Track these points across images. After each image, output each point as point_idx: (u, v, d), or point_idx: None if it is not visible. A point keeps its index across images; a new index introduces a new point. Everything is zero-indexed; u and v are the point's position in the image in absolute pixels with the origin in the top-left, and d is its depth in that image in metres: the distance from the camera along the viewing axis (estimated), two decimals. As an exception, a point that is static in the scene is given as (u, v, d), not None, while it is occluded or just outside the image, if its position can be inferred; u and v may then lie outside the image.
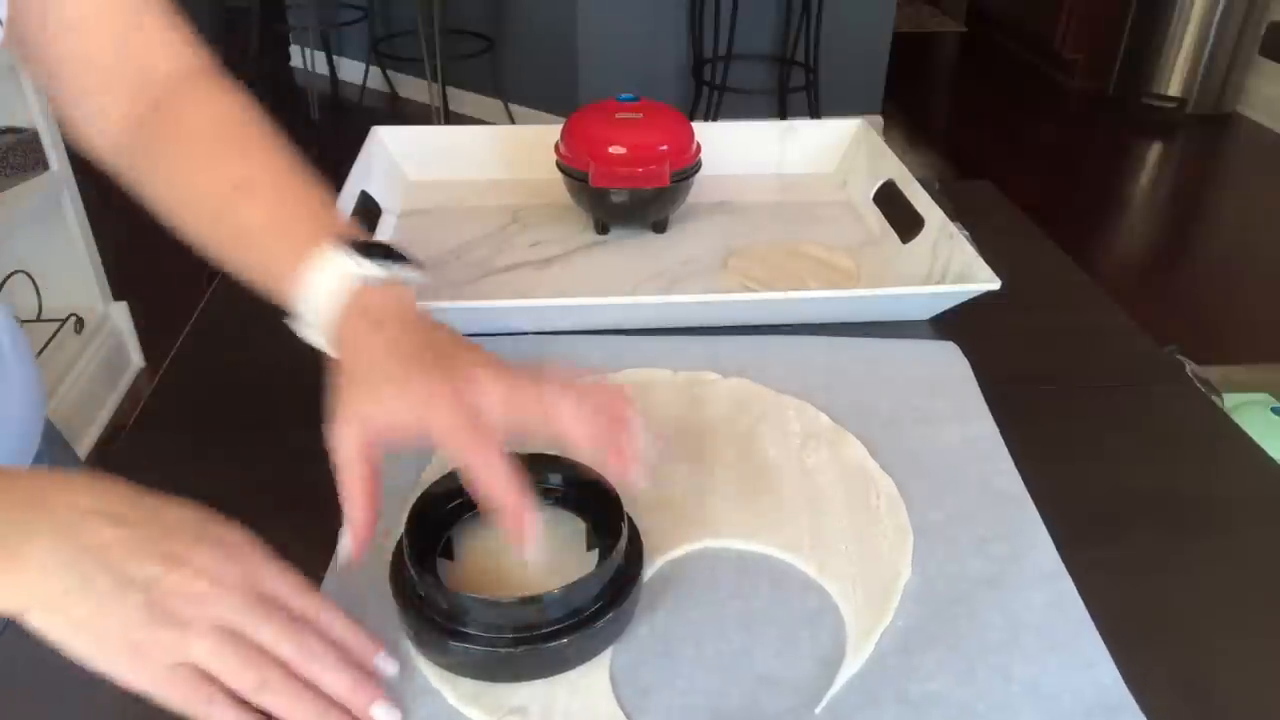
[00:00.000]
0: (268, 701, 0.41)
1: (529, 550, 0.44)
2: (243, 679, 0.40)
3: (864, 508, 0.58)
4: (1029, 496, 0.59)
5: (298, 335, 0.54)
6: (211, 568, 0.42)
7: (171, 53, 0.61)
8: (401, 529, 0.50)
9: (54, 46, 0.58)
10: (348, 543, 0.47)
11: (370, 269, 0.50)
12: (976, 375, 0.72)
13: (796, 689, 0.47)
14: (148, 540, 0.41)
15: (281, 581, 0.44)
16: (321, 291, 0.50)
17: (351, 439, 0.46)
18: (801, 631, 0.50)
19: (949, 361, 0.72)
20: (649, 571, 0.53)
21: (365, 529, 0.46)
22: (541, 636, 0.46)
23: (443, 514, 0.52)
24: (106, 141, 0.61)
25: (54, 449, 0.70)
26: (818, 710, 0.46)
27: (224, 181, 0.56)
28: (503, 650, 0.46)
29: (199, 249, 0.58)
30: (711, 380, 0.69)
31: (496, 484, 0.44)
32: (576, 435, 0.46)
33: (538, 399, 0.46)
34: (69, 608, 0.39)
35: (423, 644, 0.48)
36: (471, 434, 0.44)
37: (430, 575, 0.48)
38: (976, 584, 0.53)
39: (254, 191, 0.55)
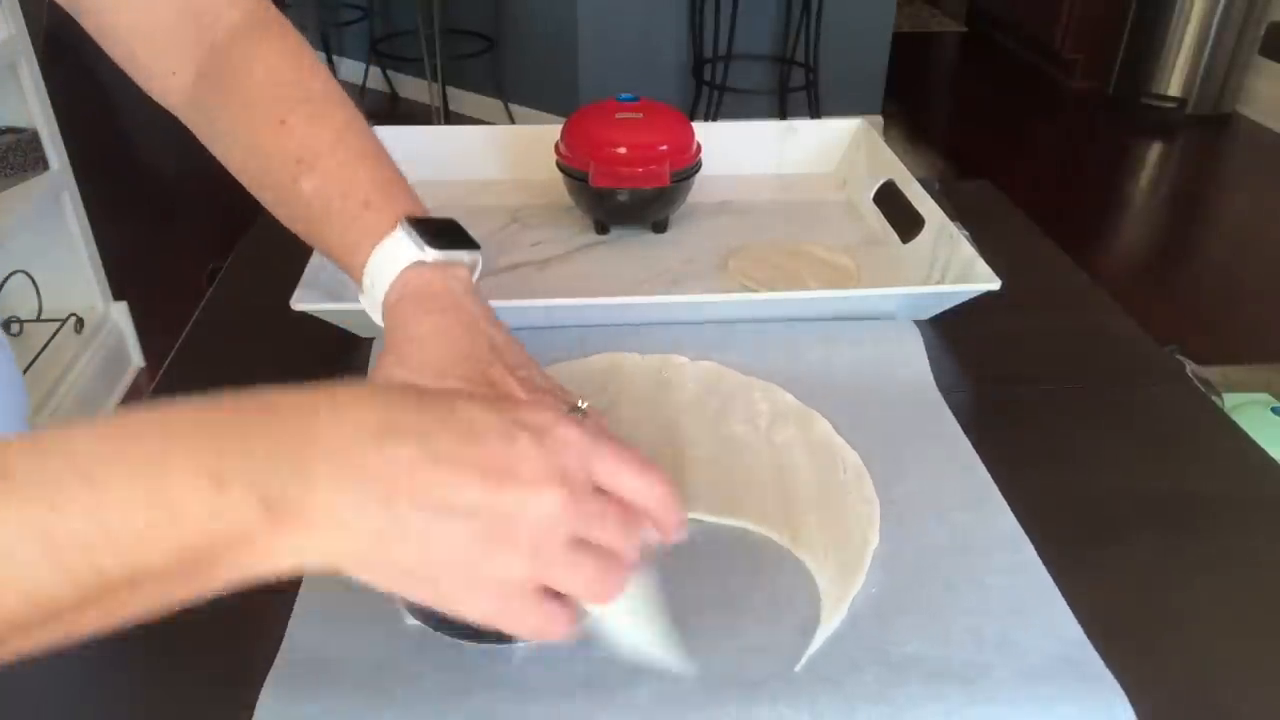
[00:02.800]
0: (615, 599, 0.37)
1: None
2: (597, 593, 0.36)
3: (832, 481, 0.60)
4: (984, 467, 0.62)
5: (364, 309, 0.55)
6: (533, 476, 0.34)
7: (234, 3, 0.59)
8: None
9: (110, 14, 0.57)
10: None
11: (427, 253, 0.51)
12: (976, 375, 0.72)
13: (780, 656, 0.49)
14: (452, 453, 0.33)
15: (610, 460, 0.37)
16: (382, 273, 0.52)
17: None
18: (781, 602, 0.52)
19: (903, 339, 0.73)
20: None
21: None
22: None
23: None
24: (179, 98, 0.60)
25: None
26: (797, 669, 0.48)
27: (287, 153, 0.56)
28: None
29: (270, 211, 0.59)
30: (680, 363, 0.71)
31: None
32: None
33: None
34: (387, 553, 0.33)
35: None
36: None
37: None
38: (943, 551, 0.56)
39: (316, 165, 0.55)
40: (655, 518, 0.38)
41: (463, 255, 0.54)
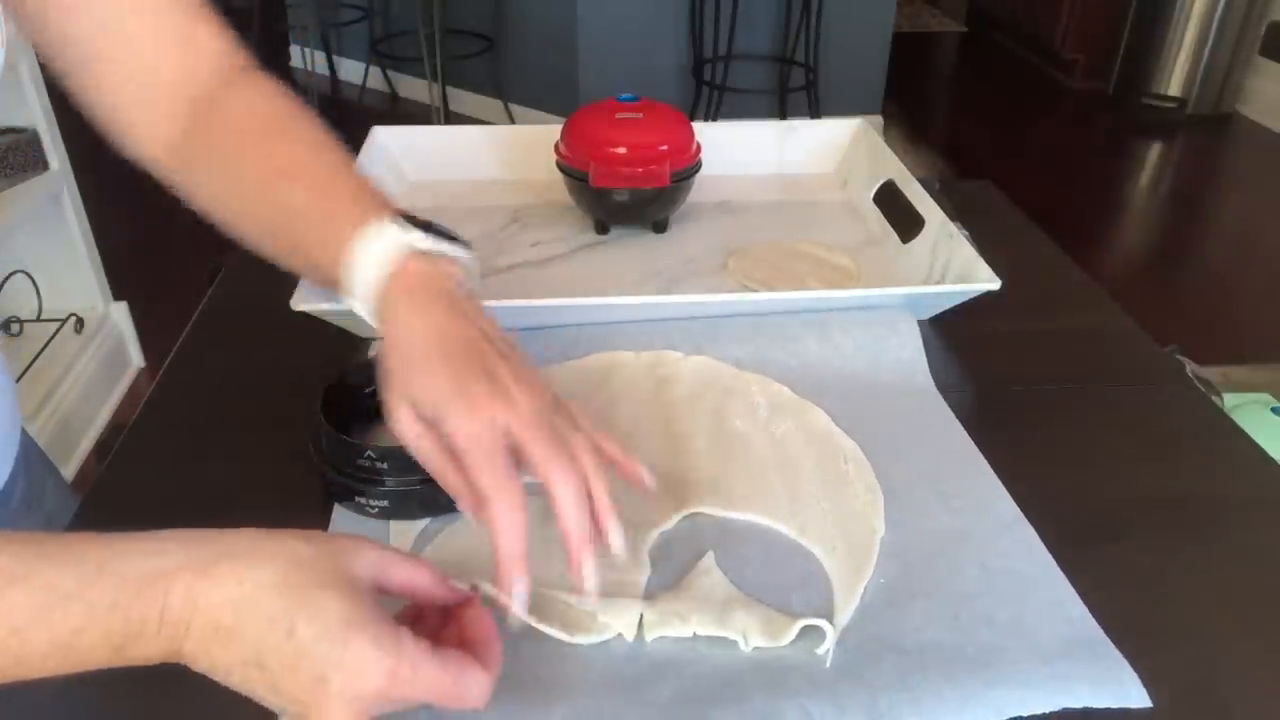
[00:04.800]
0: None
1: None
2: None
3: (834, 472, 0.61)
4: (980, 453, 0.63)
5: (350, 310, 0.53)
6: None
7: (218, 57, 0.59)
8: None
9: (87, 47, 0.56)
10: (468, 514, 0.49)
11: (419, 240, 0.51)
12: (976, 375, 0.72)
13: (799, 648, 0.49)
14: (272, 673, 0.39)
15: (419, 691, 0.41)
16: (370, 262, 0.50)
17: (407, 423, 0.48)
18: (793, 596, 0.52)
19: (896, 325, 0.73)
20: (645, 545, 0.55)
21: (471, 497, 0.47)
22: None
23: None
24: (155, 149, 0.59)
25: (31, 464, 0.68)
26: (827, 665, 0.48)
27: (269, 168, 0.56)
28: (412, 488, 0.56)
29: (254, 245, 0.58)
30: (675, 359, 0.71)
31: (511, 530, 0.45)
32: (561, 514, 0.46)
33: (551, 459, 0.46)
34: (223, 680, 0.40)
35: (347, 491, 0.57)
36: (491, 457, 0.45)
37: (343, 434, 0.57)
38: (947, 537, 0.56)
39: (300, 175, 0.55)
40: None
41: (449, 248, 0.53)
